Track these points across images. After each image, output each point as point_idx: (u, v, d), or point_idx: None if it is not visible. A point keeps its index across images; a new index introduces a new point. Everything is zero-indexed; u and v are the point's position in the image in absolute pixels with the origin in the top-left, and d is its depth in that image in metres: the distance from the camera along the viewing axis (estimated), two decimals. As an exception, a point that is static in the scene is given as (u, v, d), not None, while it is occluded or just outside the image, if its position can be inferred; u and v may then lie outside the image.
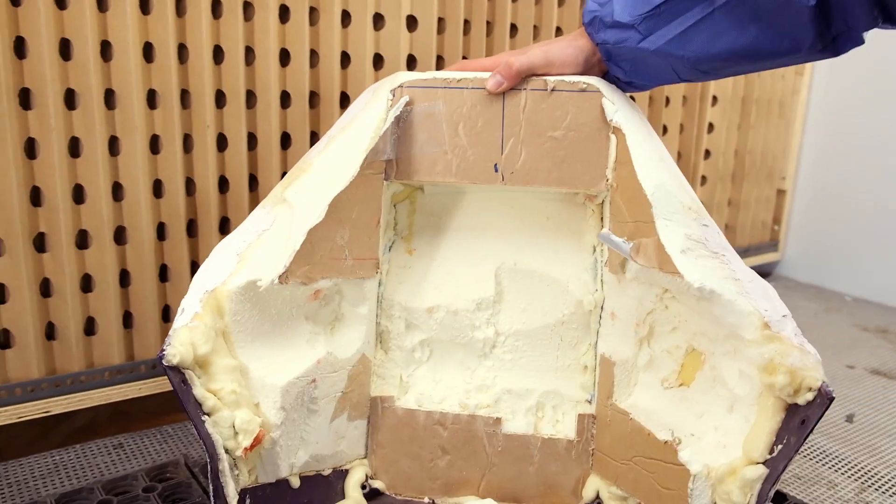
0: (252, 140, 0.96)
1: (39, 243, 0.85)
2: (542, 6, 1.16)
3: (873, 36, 0.68)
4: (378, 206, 0.74)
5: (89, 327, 0.90)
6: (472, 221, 0.83)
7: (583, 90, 0.74)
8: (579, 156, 0.74)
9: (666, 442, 0.67)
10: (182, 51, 0.89)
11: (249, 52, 0.93)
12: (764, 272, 1.76)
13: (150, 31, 0.86)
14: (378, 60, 1.02)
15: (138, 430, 0.95)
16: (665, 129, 1.40)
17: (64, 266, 0.86)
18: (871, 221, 1.58)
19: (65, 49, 0.82)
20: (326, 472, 0.75)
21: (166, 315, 0.95)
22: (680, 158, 1.45)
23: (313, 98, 0.99)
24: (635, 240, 0.70)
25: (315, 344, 0.72)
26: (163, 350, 0.57)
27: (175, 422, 0.98)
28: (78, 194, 0.86)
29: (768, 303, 0.64)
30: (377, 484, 0.77)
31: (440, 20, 1.07)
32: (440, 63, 1.08)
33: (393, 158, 0.74)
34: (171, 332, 0.59)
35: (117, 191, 0.88)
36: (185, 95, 0.90)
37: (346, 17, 0.99)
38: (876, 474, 0.89)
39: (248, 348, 0.66)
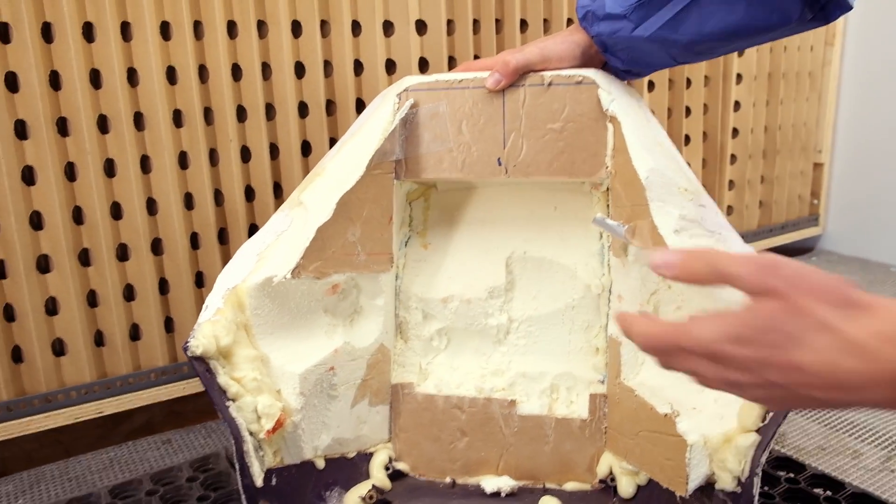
0: (274, 150, 1.02)
1: (84, 258, 0.93)
2: (552, 0, 1.20)
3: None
4: (389, 203, 0.79)
5: (134, 333, 0.98)
6: (484, 214, 0.87)
7: (579, 83, 0.77)
8: (578, 146, 0.78)
9: (666, 415, 0.70)
10: (202, 71, 0.96)
11: (266, 68, 1.00)
12: (805, 247, 1.76)
13: (171, 56, 0.93)
14: (390, 66, 1.08)
15: (186, 427, 1.02)
16: (688, 111, 1.42)
17: (107, 278, 0.93)
18: (911, 190, 1.56)
19: (95, 79, 0.90)
20: (351, 455, 0.81)
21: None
22: (706, 139, 1.47)
23: (330, 106, 1.05)
24: (630, 222, 0.73)
25: (333, 335, 0.78)
26: (187, 342, 0.64)
27: (219, 419, 1.05)
28: (116, 211, 0.94)
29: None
30: (400, 465, 0.83)
31: (449, 22, 1.11)
32: (452, 64, 1.12)
33: (402, 158, 0.79)
34: (195, 327, 0.66)
35: (151, 205, 0.96)
36: (207, 113, 0.97)
37: (356, 27, 1.05)
38: (902, 442, 0.91)
39: (269, 339, 0.72)
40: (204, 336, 0.64)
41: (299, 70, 1.02)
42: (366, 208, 0.77)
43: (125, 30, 0.91)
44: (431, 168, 0.80)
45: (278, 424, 0.69)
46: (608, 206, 0.81)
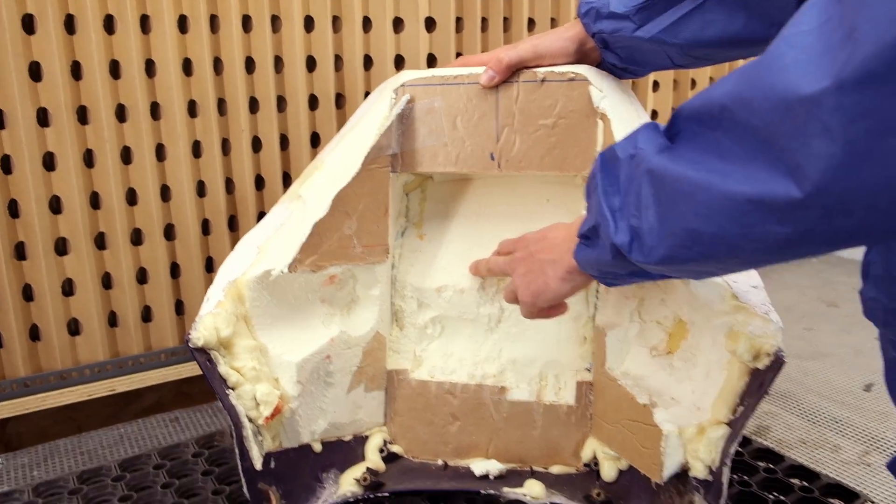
0: (284, 141, 1.04)
1: (100, 242, 0.96)
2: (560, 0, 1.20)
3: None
4: (385, 197, 0.80)
5: (146, 315, 1.00)
6: (478, 206, 0.88)
7: (571, 80, 0.78)
8: (570, 141, 0.79)
9: (644, 405, 0.71)
10: (217, 64, 0.98)
11: (278, 62, 1.02)
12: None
13: (188, 49, 0.95)
14: (399, 61, 1.09)
15: (194, 407, 1.05)
16: (693, 83, 1.41)
17: (122, 261, 0.96)
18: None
19: (114, 69, 0.92)
20: (347, 438, 0.83)
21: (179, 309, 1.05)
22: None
23: (339, 99, 1.07)
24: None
25: (330, 324, 0.79)
26: (188, 334, 0.66)
27: (227, 399, 1.07)
28: (131, 197, 0.96)
29: (740, 274, 0.68)
30: (395, 448, 0.84)
31: (458, 19, 1.12)
32: (458, 60, 1.13)
33: (398, 152, 0.81)
34: (196, 319, 0.68)
35: (165, 192, 0.98)
36: (221, 104, 0.99)
37: (367, 23, 1.06)
38: (881, 438, 0.91)
39: (267, 330, 0.74)
40: (205, 328, 0.66)
41: (311, 64, 1.04)
42: (362, 202, 0.78)
43: (144, 23, 0.93)
44: (427, 162, 0.81)
45: (276, 411, 0.71)
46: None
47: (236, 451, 0.71)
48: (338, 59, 1.06)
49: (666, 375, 0.74)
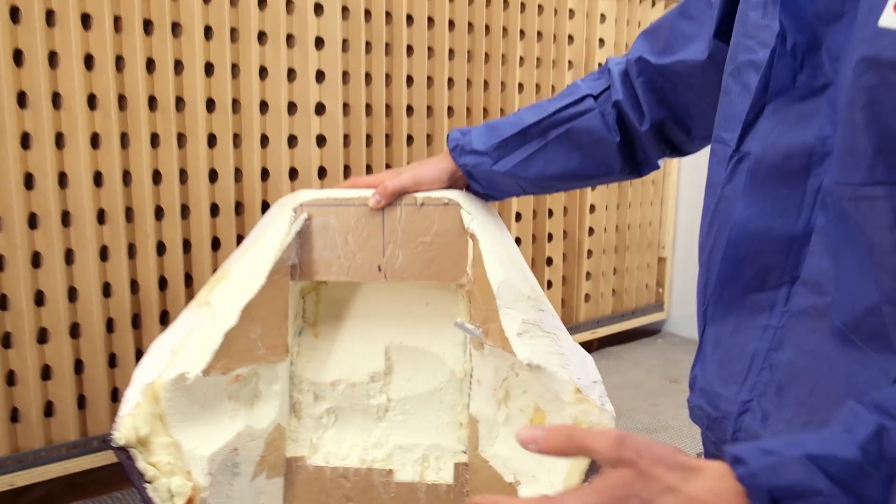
0: (187, 245, 1.11)
1: (6, 341, 0.99)
2: (434, 121, 1.35)
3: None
4: (286, 303, 0.89)
5: (48, 410, 1.03)
6: (367, 308, 0.99)
7: (445, 204, 0.91)
8: (445, 256, 0.91)
9: (510, 483, 0.83)
10: (126, 176, 1.05)
11: (183, 174, 1.10)
12: (653, 330, 1.95)
13: (99, 163, 1.02)
14: (293, 174, 1.20)
15: (91, 497, 1.07)
16: (550, 213, 1.59)
17: (27, 359, 0.99)
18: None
19: (28, 180, 0.97)
20: (249, 523, 0.89)
21: (115, 396, 1.08)
22: (566, 236, 1.64)
23: (238, 208, 1.16)
24: (484, 325, 0.86)
25: (236, 418, 0.86)
26: (110, 434, 0.72)
27: (122, 489, 1.10)
28: (39, 298, 1.00)
29: (583, 371, 0.81)
30: (292, 530, 0.91)
31: (346, 136, 1.25)
32: (346, 173, 1.25)
33: (296, 263, 0.90)
34: (117, 419, 0.73)
35: (73, 293, 1.03)
36: (129, 212, 1.06)
37: (264, 140, 1.16)
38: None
39: (180, 426, 0.80)
40: (126, 428, 0.73)
41: (213, 176, 1.12)
42: (265, 309, 0.86)
43: (59, 140, 0.99)
44: (322, 271, 0.91)
45: (189, 501, 0.77)
46: (469, 303, 0.94)
47: (152, 541, 0.76)
48: (238, 172, 1.15)
49: (527, 457, 0.86)
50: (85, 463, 1.05)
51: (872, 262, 0.49)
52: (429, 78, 1.34)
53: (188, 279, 1.12)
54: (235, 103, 1.12)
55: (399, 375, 0.96)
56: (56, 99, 0.98)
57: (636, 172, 0.87)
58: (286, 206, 0.91)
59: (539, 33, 1.51)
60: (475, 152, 0.88)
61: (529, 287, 0.90)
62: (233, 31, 1.11)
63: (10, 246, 0.96)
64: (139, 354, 1.09)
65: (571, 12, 1.57)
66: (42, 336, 1.02)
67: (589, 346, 1.79)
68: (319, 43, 1.19)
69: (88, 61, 1.00)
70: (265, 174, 1.17)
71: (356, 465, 0.92)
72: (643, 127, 0.79)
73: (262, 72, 1.14)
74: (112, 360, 1.08)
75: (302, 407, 0.94)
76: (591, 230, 1.69)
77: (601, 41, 1.62)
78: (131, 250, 1.08)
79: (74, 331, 1.04)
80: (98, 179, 1.03)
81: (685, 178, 1.88)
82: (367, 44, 1.25)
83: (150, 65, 1.05)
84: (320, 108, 1.21)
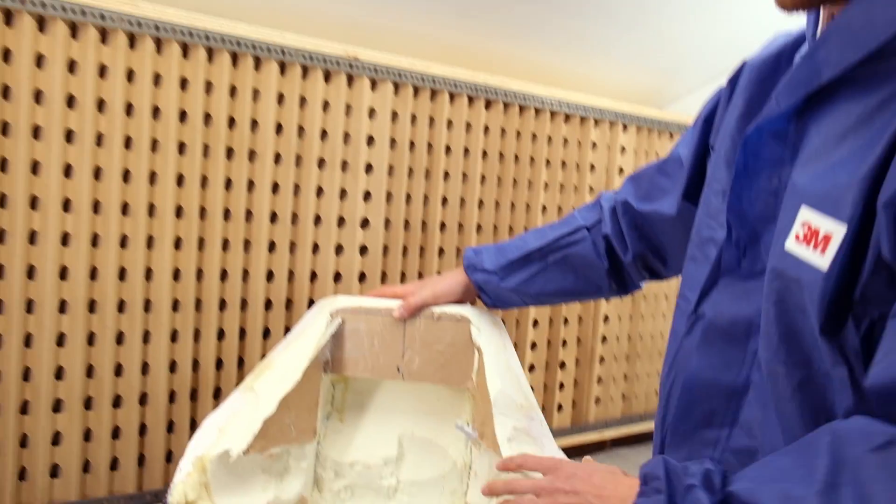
0: (243, 333, 1.29)
1: (87, 404, 1.16)
2: (463, 236, 1.52)
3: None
4: (317, 393, 1.04)
5: (114, 464, 1.20)
6: (386, 401, 1.14)
7: (458, 320, 1.06)
8: (455, 364, 1.06)
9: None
10: (199, 273, 1.24)
11: (245, 273, 1.28)
12: (662, 432, 2.04)
13: (179, 261, 1.21)
14: (338, 277, 1.37)
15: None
16: (566, 321, 1.73)
17: (102, 420, 1.16)
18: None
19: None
20: (270, 579, 1.02)
21: (169, 457, 1.24)
22: (580, 343, 1.77)
23: (289, 304, 1.33)
24: (481, 428, 1.00)
25: (268, 489, 1.01)
26: (165, 494, 0.87)
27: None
28: (118, 370, 1.18)
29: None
30: (306, 589, 1.04)
31: (385, 247, 1.42)
32: (384, 278, 1.42)
33: (329, 359, 1.06)
34: (171, 484, 0.89)
35: (145, 367, 1.20)
36: (198, 304, 1.24)
37: (315, 248, 1.35)
38: None
39: (221, 494, 0.95)
40: (178, 493, 0.88)
41: (270, 276, 1.30)
42: (300, 398, 1.01)
43: (169, 243, 1.19)
44: (350, 368, 1.07)
45: (221, 554, 0.92)
46: (472, 404, 1.08)
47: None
48: (290, 273, 1.33)
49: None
50: (139, 516, 1.21)
51: (782, 420, 0.59)
52: (461, 199, 1.52)
53: (241, 362, 1.29)
54: (294, 217, 1.31)
55: (409, 461, 1.10)
56: (152, 210, 1.19)
57: (623, 291, 1.00)
58: (324, 309, 1.07)
59: (563, 162, 1.68)
60: (485, 271, 1.03)
61: (523, 396, 1.04)
62: (298, 157, 1.31)
63: (102, 326, 1.15)
64: (193, 423, 1.25)
65: (594, 144, 1.74)
66: (117, 401, 1.19)
67: (601, 447, 1.89)
68: (369, 168, 1.38)
69: (180, 180, 1.21)
70: (314, 276, 1.35)
71: (366, 537, 1.05)
72: (627, 258, 0.93)
73: (319, 191, 1.34)
74: (170, 427, 1.24)
75: (324, 482, 1.09)
76: (604, 338, 1.81)
77: (620, 169, 1.79)
78: (196, 335, 1.26)
79: (143, 399, 1.21)
80: (176, 275, 1.22)
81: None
82: (410, 169, 1.44)
83: (229, 184, 1.25)
84: (365, 223, 1.39)
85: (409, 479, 1.09)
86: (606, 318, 1.81)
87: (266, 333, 1.32)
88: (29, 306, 1.09)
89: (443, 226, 1.50)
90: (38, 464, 1.12)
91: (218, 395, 1.28)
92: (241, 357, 1.30)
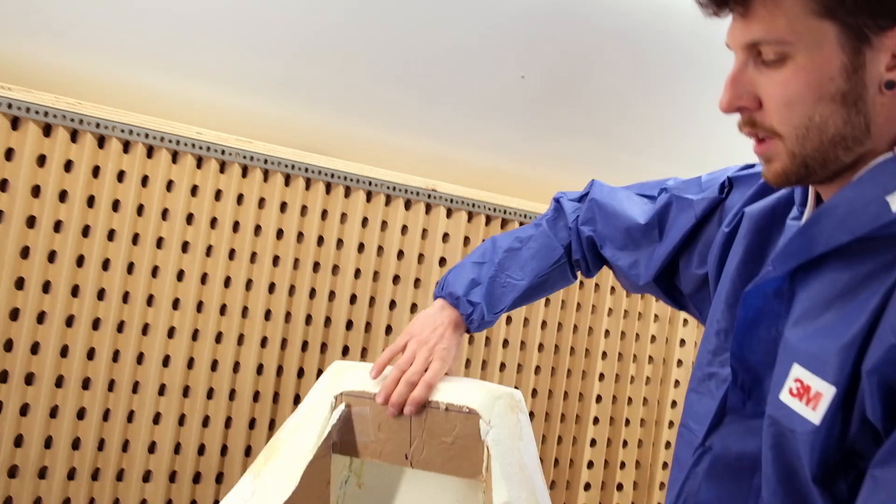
0: (272, 424, 1.31)
1: (119, 475, 1.19)
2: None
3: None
4: (327, 474, 1.01)
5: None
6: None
7: (467, 413, 1.02)
8: (464, 457, 1.00)
9: None
10: (235, 366, 1.28)
11: (281, 369, 1.31)
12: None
13: (215, 353, 1.27)
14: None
15: None
16: (625, 443, 1.63)
17: (130, 493, 1.19)
18: None
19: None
20: None
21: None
22: (638, 466, 1.66)
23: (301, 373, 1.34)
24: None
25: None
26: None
27: None
28: (152, 447, 1.22)
29: None
30: None
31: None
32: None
33: (338, 441, 1.04)
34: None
35: (178, 448, 1.23)
36: (232, 393, 1.28)
37: (324, 347, 1.37)
38: None
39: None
40: None
41: (279, 371, 1.33)
42: (310, 479, 0.99)
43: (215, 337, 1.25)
44: (359, 451, 1.04)
45: None
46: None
47: None
48: (300, 371, 1.36)
49: None
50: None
51: None
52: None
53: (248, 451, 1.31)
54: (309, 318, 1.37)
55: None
56: (200, 306, 1.26)
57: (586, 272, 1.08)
58: (328, 391, 1.04)
59: (623, 333, 1.66)
60: (482, 321, 1.05)
61: (535, 502, 0.97)
62: (315, 263, 1.39)
63: (141, 406, 1.21)
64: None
65: (656, 317, 1.71)
66: (146, 476, 1.22)
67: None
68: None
69: (204, 278, 1.29)
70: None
71: None
72: (590, 274, 1.08)
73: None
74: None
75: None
76: (664, 464, 1.68)
77: (682, 341, 1.73)
78: (228, 422, 1.29)
79: (172, 476, 1.24)
80: (214, 366, 1.28)
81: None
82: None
83: (249, 284, 1.32)
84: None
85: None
86: (668, 444, 1.69)
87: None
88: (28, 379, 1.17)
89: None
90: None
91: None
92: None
